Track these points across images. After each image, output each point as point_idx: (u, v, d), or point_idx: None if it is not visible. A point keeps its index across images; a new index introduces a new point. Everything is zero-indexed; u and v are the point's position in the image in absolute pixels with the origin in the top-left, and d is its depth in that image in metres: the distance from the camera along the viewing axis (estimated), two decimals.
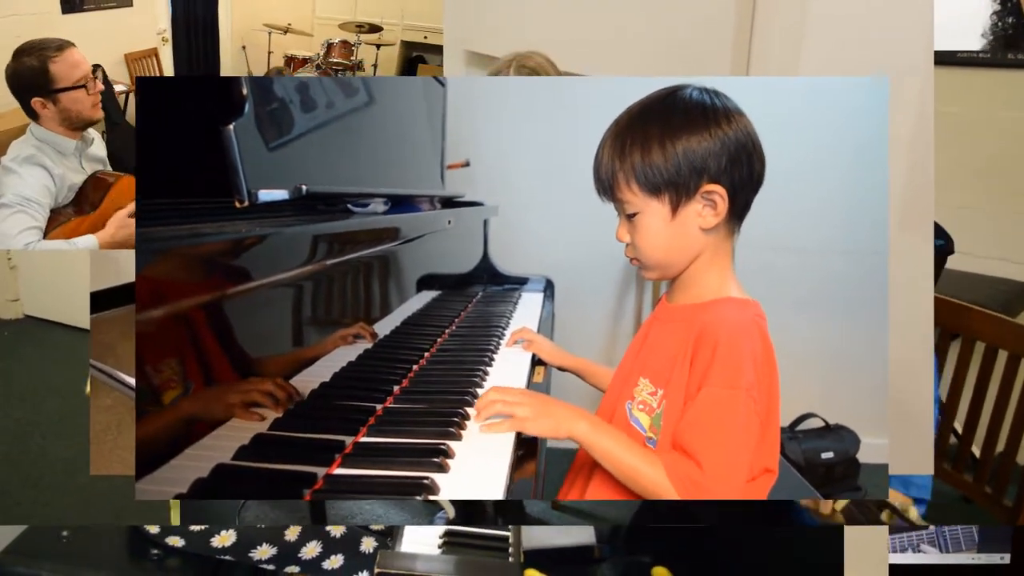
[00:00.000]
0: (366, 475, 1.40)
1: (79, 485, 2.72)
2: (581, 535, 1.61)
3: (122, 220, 2.33)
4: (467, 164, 3.29)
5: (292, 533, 1.92)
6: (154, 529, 1.93)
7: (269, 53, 4.34)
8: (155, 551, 1.92)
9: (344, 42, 4.32)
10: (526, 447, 1.50)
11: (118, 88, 3.75)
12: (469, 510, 2.62)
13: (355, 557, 1.92)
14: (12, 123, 2.44)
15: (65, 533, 1.95)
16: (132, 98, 3.90)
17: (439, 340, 2.23)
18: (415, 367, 1.97)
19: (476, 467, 1.41)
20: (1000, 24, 2.52)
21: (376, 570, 1.64)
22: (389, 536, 1.84)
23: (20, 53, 2.36)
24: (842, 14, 2.25)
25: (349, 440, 1.50)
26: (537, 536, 1.60)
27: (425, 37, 4.54)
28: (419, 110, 2.77)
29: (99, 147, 2.56)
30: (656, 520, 2.20)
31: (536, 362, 2.06)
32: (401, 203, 2.39)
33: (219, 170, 1.47)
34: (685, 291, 1.46)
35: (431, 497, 1.36)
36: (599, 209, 1.49)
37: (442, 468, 1.39)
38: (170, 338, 1.24)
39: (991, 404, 2.14)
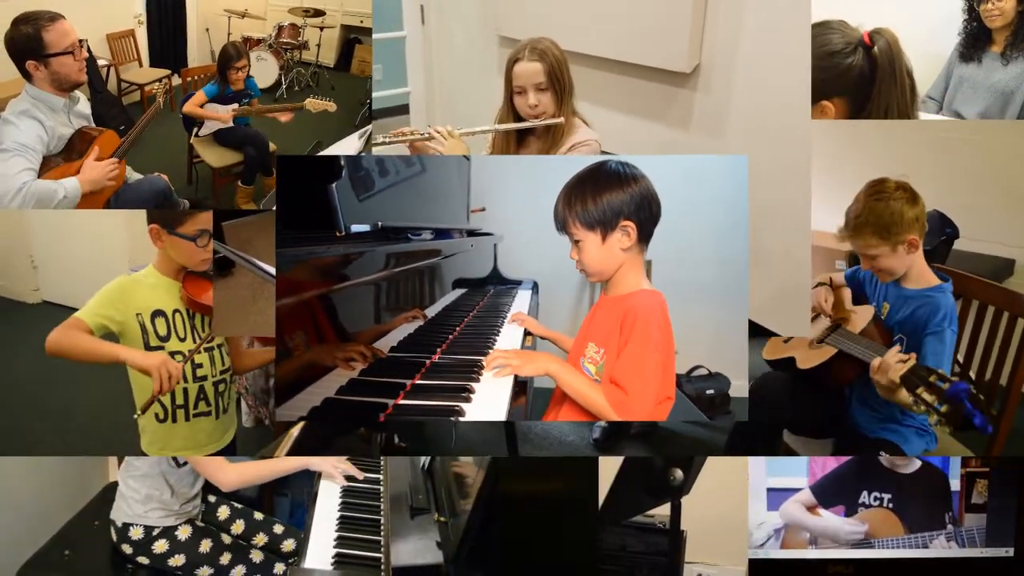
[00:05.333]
0: (419, 404, 1.41)
1: (81, 423, 2.59)
2: (432, 556, 1.49)
3: (91, 165, 2.01)
4: (484, 209, 3.23)
5: (225, 559, 1.80)
6: (128, 549, 1.79)
7: (228, 34, 3.62)
8: (129, 566, 1.80)
9: (292, 25, 3.67)
10: (520, 387, 1.50)
11: (101, 62, 3.22)
12: (615, 428, 2.50)
13: None
14: (12, 91, 2.06)
15: (67, 552, 1.84)
16: (113, 70, 3.40)
17: (465, 320, 2.22)
18: (451, 336, 1.96)
19: (488, 399, 1.42)
20: (968, 28, 2.42)
21: None
22: (296, 558, 1.66)
23: (17, 22, 1.97)
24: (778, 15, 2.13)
25: (409, 382, 1.51)
26: (402, 557, 1.48)
27: (361, 21, 3.86)
28: (453, 175, 2.73)
29: (84, 105, 2.15)
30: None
31: (526, 334, 2.04)
32: (441, 233, 2.38)
33: (327, 212, 1.48)
34: (615, 287, 1.44)
35: (460, 419, 1.35)
36: (566, 239, 1.46)
37: (467, 400, 1.40)
38: (298, 317, 1.26)
39: (983, 343, 1.98)
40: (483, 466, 1.42)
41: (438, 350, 1.80)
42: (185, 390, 1.75)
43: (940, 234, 2.24)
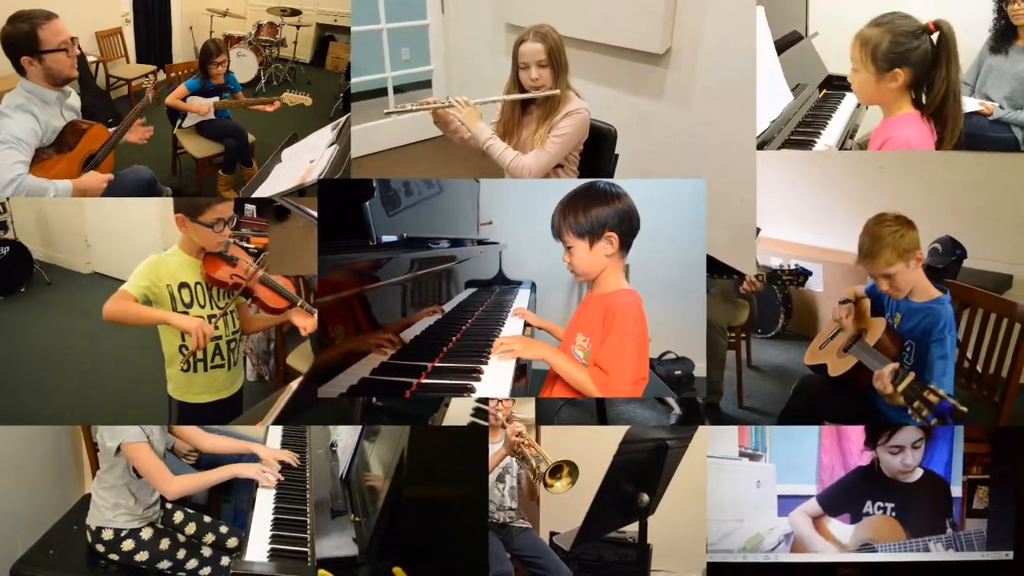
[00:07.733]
0: (438, 382, 1.43)
1: (122, 385, 2.53)
2: (349, 550, 1.48)
3: (91, 175, 1.87)
4: (491, 223, 3.17)
5: (181, 554, 1.80)
6: (101, 548, 1.78)
7: (211, 32, 3.33)
8: (102, 562, 1.80)
9: (271, 23, 3.38)
10: (521, 369, 1.53)
11: (90, 59, 2.93)
12: (689, 409, 2.48)
13: (219, 571, 1.82)
14: (7, 86, 1.88)
15: (51, 552, 1.84)
16: (102, 67, 3.09)
17: (476, 313, 2.20)
18: (464, 327, 1.96)
19: (495, 378, 1.45)
20: (997, 24, 2.42)
21: (231, 571, 1.52)
22: (238, 553, 1.63)
23: (13, 19, 1.81)
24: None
25: (429, 365, 1.53)
26: (325, 550, 1.47)
27: (335, 20, 3.57)
28: (465, 194, 2.74)
29: (75, 99, 1.98)
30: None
31: (526, 325, 2.04)
32: (456, 242, 2.40)
33: (361, 225, 1.50)
34: (599, 287, 1.44)
35: (472, 395, 1.39)
36: (559, 246, 1.46)
37: (477, 379, 1.43)
38: (338, 312, 1.29)
39: (988, 343, 1.99)
40: (389, 476, 1.45)
41: (453, 338, 1.82)
42: (204, 348, 1.79)
43: (951, 255, 2.26)
